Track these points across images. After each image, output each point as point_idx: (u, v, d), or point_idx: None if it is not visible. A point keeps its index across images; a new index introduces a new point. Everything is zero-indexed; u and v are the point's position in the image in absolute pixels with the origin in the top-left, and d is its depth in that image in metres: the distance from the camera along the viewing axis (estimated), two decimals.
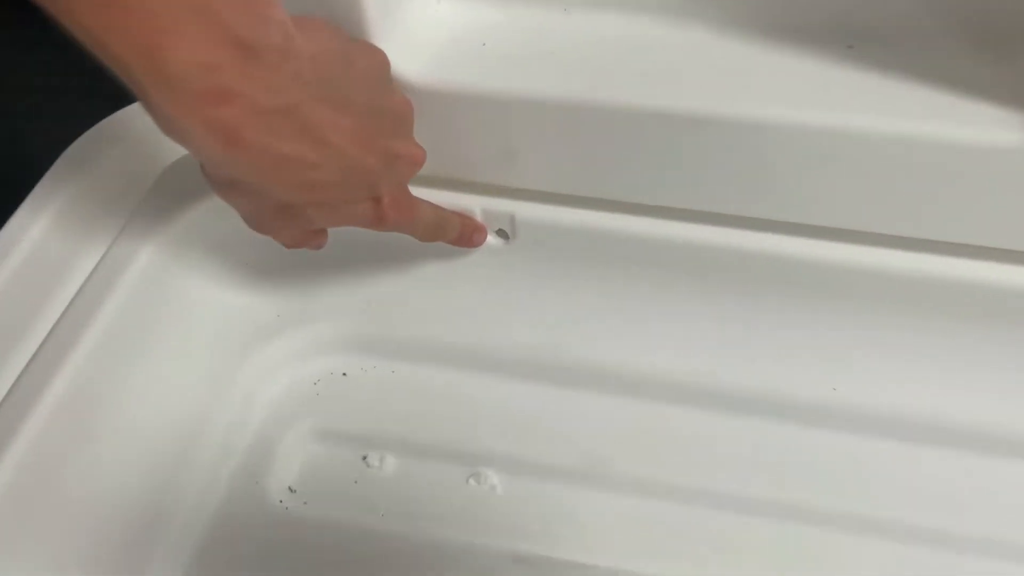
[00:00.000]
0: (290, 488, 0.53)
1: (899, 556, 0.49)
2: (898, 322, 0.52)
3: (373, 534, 0.51)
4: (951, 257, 0.49)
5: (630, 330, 0.56)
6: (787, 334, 0.54)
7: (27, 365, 0.46)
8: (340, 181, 0.38)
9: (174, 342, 0.54)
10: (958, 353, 0.52)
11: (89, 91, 0.55)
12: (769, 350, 0.55)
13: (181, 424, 0.53)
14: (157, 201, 0.54)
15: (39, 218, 0.51)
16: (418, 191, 0.51)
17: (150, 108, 0.30)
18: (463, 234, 0.53)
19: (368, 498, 0.53)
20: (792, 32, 0.46)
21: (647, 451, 0.54)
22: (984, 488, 0.51)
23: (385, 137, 0.41)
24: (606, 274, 0.55)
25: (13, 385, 0.45)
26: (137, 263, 0.51)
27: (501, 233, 0.55)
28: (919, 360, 0.53)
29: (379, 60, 0.43)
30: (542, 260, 0.55)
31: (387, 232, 0.47)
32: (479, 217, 0.54)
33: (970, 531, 0.50)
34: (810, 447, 0.54)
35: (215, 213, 0.52)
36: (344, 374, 0.59)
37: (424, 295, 0.58)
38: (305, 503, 0.53)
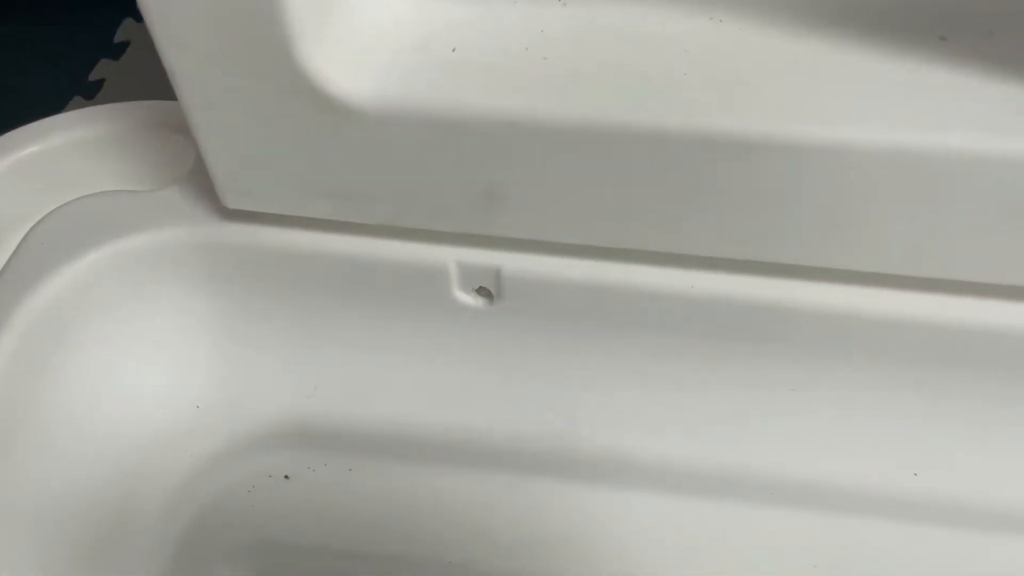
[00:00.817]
0: None
1: None
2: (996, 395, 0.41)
3: None
4: None
5: (646, 411, 0.45)
6: (848, 413, 0.43)
7: None
8: None
9: (54, 452, 0.41)
10: None
11: None
12: (826, 432, 0.43)
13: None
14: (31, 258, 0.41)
15: None
16: (379, 241, 0.39)
17: None
18: None
19: None
20: (861, 20, 0.35)
21: (676, 559, 0.42)
22: None
23: None
24: (615, 342, 0.43)
25: None
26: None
27: (483, 292, 0.43)
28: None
29: None
30: (533, 325, 0.43)
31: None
32: (455, 275, 0.42)
33: None
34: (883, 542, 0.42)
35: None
36: (286, 476, 0.46)
37: (387, 373, 0.46)
38: None
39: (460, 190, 0.37)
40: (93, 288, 0.42)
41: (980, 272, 0.37)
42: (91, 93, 0.94)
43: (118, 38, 0.99)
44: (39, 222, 0.42)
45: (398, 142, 0.35)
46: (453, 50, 0.36)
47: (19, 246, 0.42)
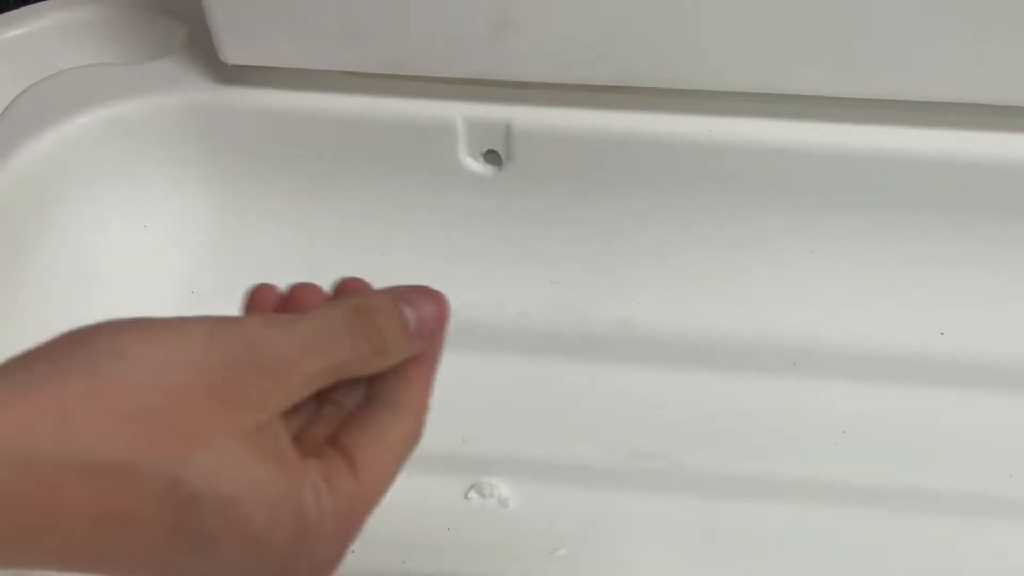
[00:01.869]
0: None
1: None
2: None
3: None
4: None
5: (659, 280, 0.43)
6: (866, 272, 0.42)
7: None
8: None
9: None
10: None
11: None
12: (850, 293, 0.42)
13: None
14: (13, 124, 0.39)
15: None
16: (381, 100, 0.38)
17: None
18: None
19: None
20: None
21: (697, 435, 0.40)
22: None
23: None
24: (627, 204, 0.42)
25: None
26: None
27: (491, 157, 0.42)
28: None
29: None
30: (547, 189, 0.42)
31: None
32: (462, 134, 0.40)
33: None
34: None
35: None
36: None
37: (392, 255, 0.43)
38: None
39: (467, 17, 0.36)
40: (77, 159, 0.40)
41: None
42: None
43: None
44: (24, 91, 0.40)
45: None
46: None
47: (5, 112, 0.39)
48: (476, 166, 0.42)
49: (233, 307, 0.43)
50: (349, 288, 0.27)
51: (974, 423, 0.40)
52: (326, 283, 0.43)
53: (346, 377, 0.24)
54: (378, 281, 0.43)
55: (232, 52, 0.38)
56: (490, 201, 0.42)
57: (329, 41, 0.37)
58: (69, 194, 0.40)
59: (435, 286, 0.43)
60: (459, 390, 0.41)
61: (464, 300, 0.43)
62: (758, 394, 0.42)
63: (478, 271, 0.43)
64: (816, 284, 0.42)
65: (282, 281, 0.43)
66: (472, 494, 0.38)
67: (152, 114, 0.40)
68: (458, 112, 0.40)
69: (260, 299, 0.27)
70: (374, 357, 0.24)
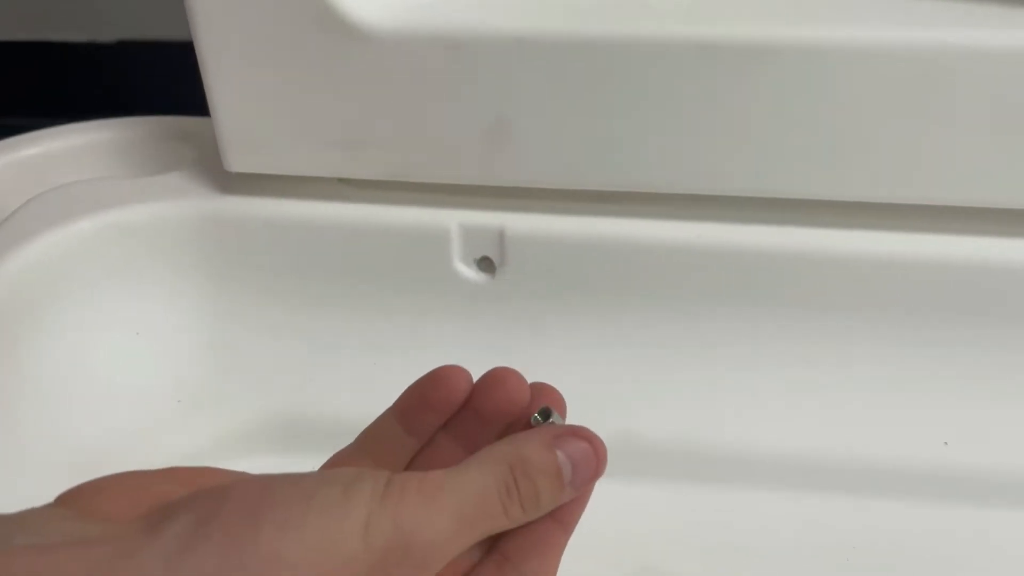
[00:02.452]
0: None
1: None
2: None
3: None
4: None
5: (655, 388, 0.42)
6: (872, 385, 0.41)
7: None
8: None
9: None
10: None
11: None
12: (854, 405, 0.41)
13: None
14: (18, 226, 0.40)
15: None
16: (379, 208, 0.39)
17: None
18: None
19: None
20: None
21: (702, 550, 0.38)
22: None
23: None
24: (618, 312, 0.42)
25: None
26: None
27: (484, 264, 0.42)
28: None
29: None
30: (535, 300, 0.42)
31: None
32: (456, 241, 0.41)
33: None
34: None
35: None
36: None
37: (383, 365, 0.43)
38: None
39: (466, 125, 0.38)
40: (77, 261, 0.40)
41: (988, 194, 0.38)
42: None
43: None
44: (33, 197, 0.41)
45: (409, 67, 0.36)
46: None
47: (9, 217, 0.41)
48: (470, 273, 0.42)
49: (221, 418, 0.42)
50: (545, 396, 0.28)
51: (984, 539, 0.38)
52: (321, 391, 0.42)
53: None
54: (371, 389, 0.43)
55: (236, 160, 0.40)
56: (484, 307, 0.42)
57: (331, 149, 0.39)
58: (64, 297, 0.40)
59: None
60: None
61: None
62: (764, 510, 0.40)
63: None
64: (819, 395, 0.42)
65: (271, 388, 0.43)
66: None
67: (151, 220, 0.41)
68: (452, 219, 0.41)
69: (451, 386, 0.28)
70: (523, 518, 0.24)
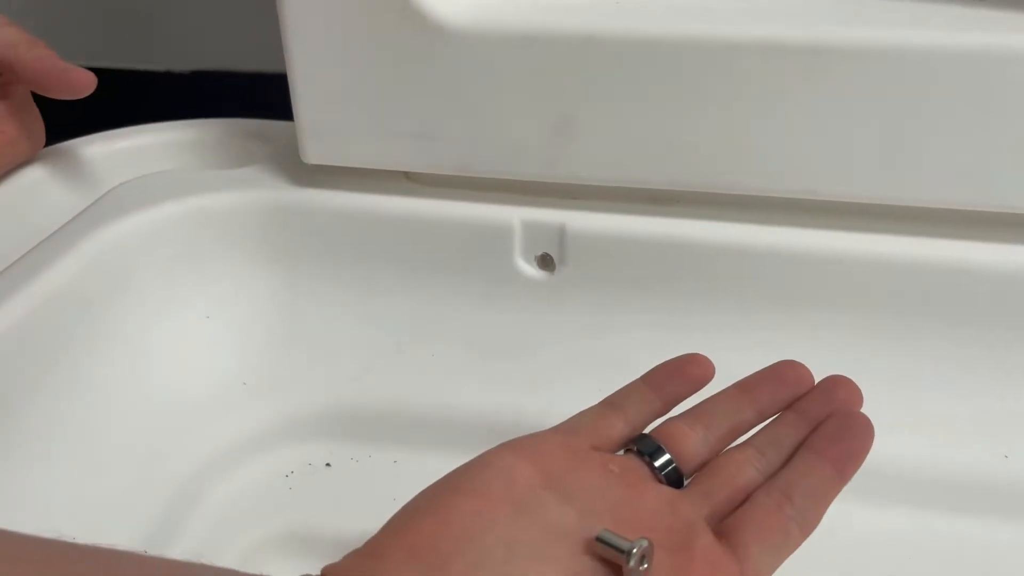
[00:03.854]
0: None
1: None
2: None
3: None
4: None
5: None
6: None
7: None
8: None
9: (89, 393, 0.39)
10: None
11: None
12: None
13: (85, 514, 0.36)
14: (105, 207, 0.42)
15: None
16: (444, 203, 0.41)
17: None
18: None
19: None
20: None
21: None
22: None
23: None
24: (694, 310, 0.42)
25: None
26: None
27: (544, 262, 0.43)
28: None
29: None
30: (599, 295, 0.43)
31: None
32: (518, 237, 0.42)
33: None
34: None
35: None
36: (328, 464, 0.42)
37: (442, 356, 0.44)
38: None
39: (534, 121, 0.39)
40: (156, 245, 0.42)
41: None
42: None
43: None
44: (119, 184, 0.44)
45: (482, 62, 0.38)
46: None
47: (95, 201, 0.43)
48: (530, 269, 0.43)
49: (286, 403, 0.43)
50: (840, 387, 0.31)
51: None
52: (383, 381, 0.43)
53: None
54: (432, 379, 0.43)
55: (313, 152, 0.42)
56: (542, 305, 0.43)
57: (403, 142, 0.41)
58: (141, 278, 0.42)
59: (483, 388, 0.43)
60: None
61: (509, 402, 0.43)
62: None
63: (526, 374, 0.43)
64: (874, 402, 0.41)
65: (335, 375, 0.44)
66: None
67: (228, 209, 0.43)
68: (515, 215, 0.42)
69: (706, 366, 0.32)
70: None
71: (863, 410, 0.31)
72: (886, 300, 0.41)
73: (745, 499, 0.28)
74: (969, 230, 0.41)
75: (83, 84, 0.43)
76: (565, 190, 0.42)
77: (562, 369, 0.43)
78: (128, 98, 0.95)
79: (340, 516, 0.40)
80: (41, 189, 0.46)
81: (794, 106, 0.37)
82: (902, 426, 0.40)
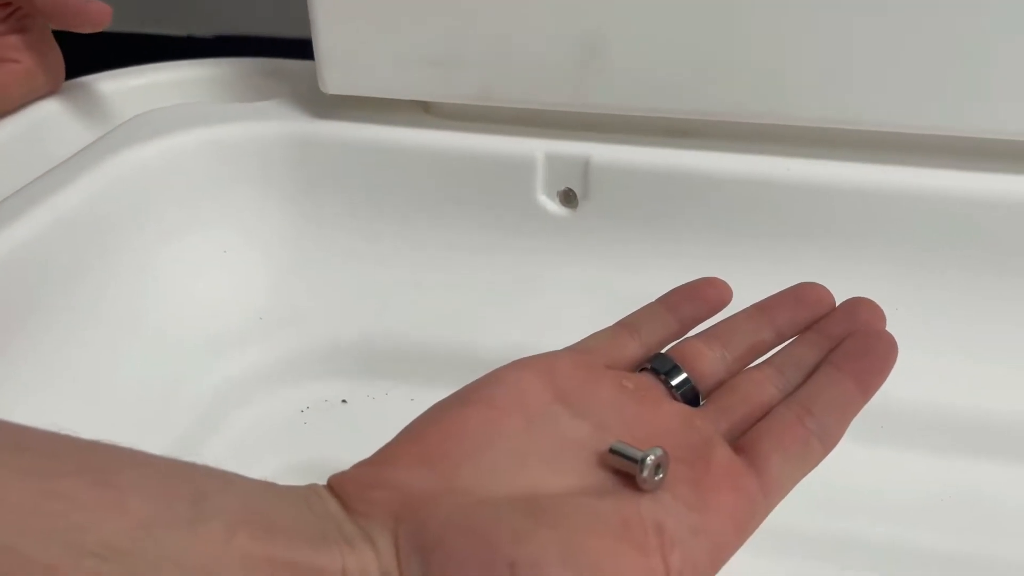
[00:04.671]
0: None
1: None
2: None
3: None
4: None
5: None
6: None
7: None
8: None
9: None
10: None
11: None
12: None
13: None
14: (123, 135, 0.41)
15: None
16: (466, 135, 0.40)
17: None
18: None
19: None
20: None
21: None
22: None
23: None
24: (720, 244, 0.41)
25: None
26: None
27: (567, 197, 0.42)
28: None
29: None
30: (623, 229, 0.42)
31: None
32: (541, 170, 0.41)
33: None
34: None
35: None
36: (344, 401, 0.42)
37: (462, 293, 0.43)
38: None
39: (559, 44, 0.38)
40: (173, 175, 0.42)
41: None
42: None
43: None
44: (137, 115, 0.43)
45: None
46: None
47: (112, 130, 0.42)
48: (552, 205, 0.42)
49: (301, 338, 0.42)
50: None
51: None
52: (399, 317, 0.43)
53: None
54: (448, 317, 0.43)
55: (333, 81, 0.41)
56: (564, 241, 0.42)
57: (423, 70, 0.40)
58: (158, 207, 0.41)
59: (502, 325, 0.42)
60: None
61: (528, 340, 0.42)
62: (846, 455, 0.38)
63: (546, 311, 0.42)
64: (912, 343, 0.40)
65: (352, 311, 0.43)
66: None
67: (246, 140, 0.43)
68: (538, 148, 0.41)
69: (722, 289, 0.30)
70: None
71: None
72: (911, 233, 0.39)
73: (764, 416, 0.27)
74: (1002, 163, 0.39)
75: (99, 15, 0.42)
76: (589, 122, 0.41)
77: (583, 306, 0.42)
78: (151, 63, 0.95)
79: (355, 452, 0.39)
80: (59, 121, 0.45)
81: (832, 28, 0.36)
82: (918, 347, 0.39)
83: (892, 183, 0.39)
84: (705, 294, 0.30)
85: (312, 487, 0.23)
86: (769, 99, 0.38)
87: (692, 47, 0.38)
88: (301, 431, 0.40)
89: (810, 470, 0.26)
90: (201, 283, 0.42)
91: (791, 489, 0.25)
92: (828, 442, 0.26)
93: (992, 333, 0.40)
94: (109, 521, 0.18)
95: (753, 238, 0.41)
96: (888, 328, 0.30)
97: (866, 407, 0.29)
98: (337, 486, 0.23)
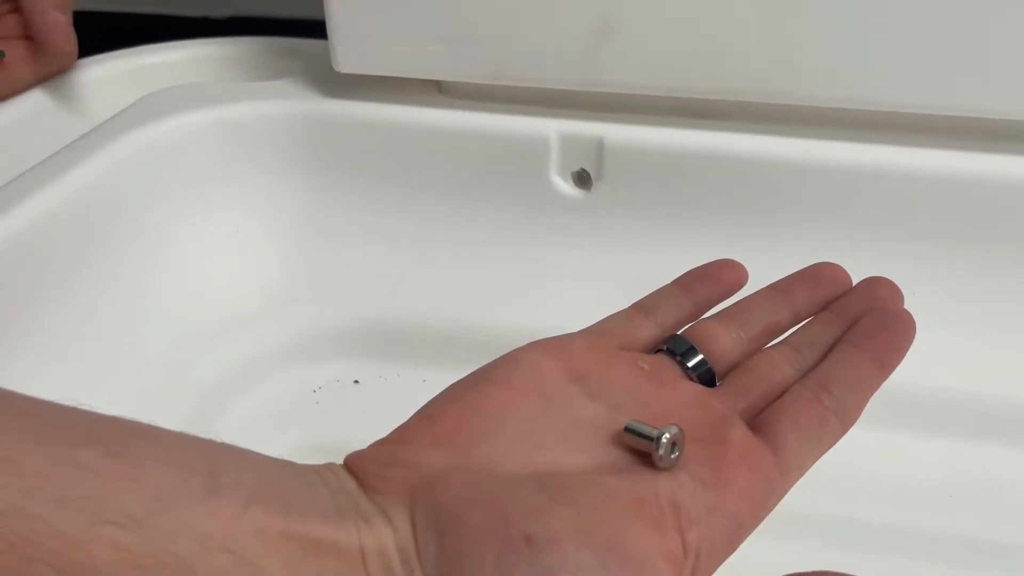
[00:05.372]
0: None
1: None
2: None
3: None
4: None
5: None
6: None
7: None
8: None
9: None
10: None
11: None
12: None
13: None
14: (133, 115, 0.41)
15: None
16: (479, 115, 0.39)
17: None
18: None
19: None
20: None
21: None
22: None
23: None
24: (734, 226, 0.40)
25: None
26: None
27: (581, 178, 0.42)
28: None
29: None
30: (636, 210, 0.41)
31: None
32: (555, 150, 0.41)
33: None
34: None
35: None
36: (356, 382, 0.42)
37: (474, 274, 0.43)
38: None
39: (571, 23, 0.38)
40: (184, 154, 0.41)
41: None
42: None
43: None
44: (148, 94, 0.43)
45: None
46: None
47: (124, 109, 0.42)
48: (566, 187, 0.42)
49: (311, 319, 0.42)
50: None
51: None
52: (410, 298, 0.43)
53: None
54: (460, 298, 0.42)
55: (345, 60, 0.41)
56: (578, 221, 0.42)
57: (436, 49, 0.39)
58: (169, 187, 0.41)
59: (515, 307, 0.42)
60: None
61: (542, 322, 0.42)
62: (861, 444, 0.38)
63: (560, 293, 0.42)
64: (930, 326, 0.40)
65: (363, 291, 0.43)
66: None
67: (257, 119, 0.42)
68: (552, 127, 0.41)
69: (739, 271, 0.30)
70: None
71: None
72: (930, 215, 0.39)
73: (780, 395, 0.26)
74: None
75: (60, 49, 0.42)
76: (602, 102, 0.41)
77: (597, 288, 0.41)
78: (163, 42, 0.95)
79: (367, 432, 0.39)
80: (71, 101, 0.45)
81: (850, 5, 0.35)
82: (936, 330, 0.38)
83: (911, 165, 0.38)
84: (721, 275, 0.30)
85: (328, 465, 0.23)
86: (785, 79, 0.38)
87: (707, 26, 0.37)
88: (313, 411, 0.40)
89: (828, 449, 0.25)
90: (212, 263, 0.42)
91: (809, 468, 0.25)
92: (846, 420, 0.25)
93: (1013, 316, 0.39)
94: (124, 491, 0.18)
95: (769, 219, 0.40)
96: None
97: (882, 391, 0.29)
98: (354, 464, 0.23)
